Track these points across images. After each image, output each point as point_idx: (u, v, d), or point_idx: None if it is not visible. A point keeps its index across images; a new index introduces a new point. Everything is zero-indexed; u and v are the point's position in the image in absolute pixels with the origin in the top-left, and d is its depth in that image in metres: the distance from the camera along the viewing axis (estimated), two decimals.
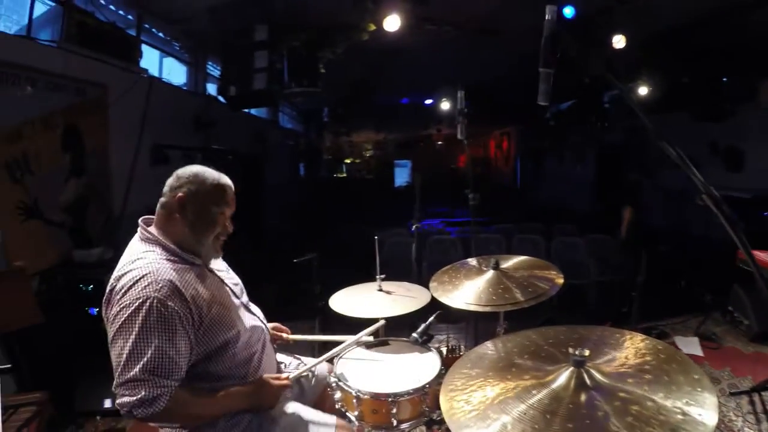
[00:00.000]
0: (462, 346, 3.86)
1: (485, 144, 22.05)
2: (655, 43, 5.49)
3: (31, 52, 3.68)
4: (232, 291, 1.87)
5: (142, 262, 1.60)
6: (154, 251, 1.66)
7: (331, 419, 1.89)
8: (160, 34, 6.04)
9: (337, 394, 2.01)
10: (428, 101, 11.07)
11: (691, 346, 4.25)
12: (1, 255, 3.40)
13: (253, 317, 1.93)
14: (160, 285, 1.55)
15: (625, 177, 8.86)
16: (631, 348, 1.39)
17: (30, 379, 3.20)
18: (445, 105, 10.00)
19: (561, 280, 2.26)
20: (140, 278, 1.55)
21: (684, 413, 1.11)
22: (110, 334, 1.55)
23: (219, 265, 1.92)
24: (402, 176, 18.13)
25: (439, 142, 18.50)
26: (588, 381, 1.23)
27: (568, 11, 4.56)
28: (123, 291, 1.54)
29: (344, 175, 18.77)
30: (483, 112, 12.68)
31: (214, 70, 7.29)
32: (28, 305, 3.11)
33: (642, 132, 8.02)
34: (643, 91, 6.46)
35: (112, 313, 1.54)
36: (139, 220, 1.75)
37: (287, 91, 4.99)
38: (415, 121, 14.13)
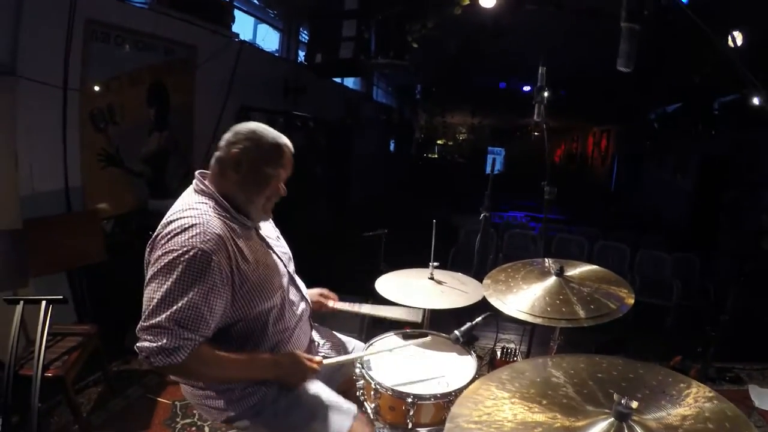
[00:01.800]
0: (518, 352, 3.58)
1: (583, 140, 20.76)
2: None
3: (123, 12, 3.81)
4: (279, 259, 1.80)
5: (194, 212, 1.54)
6: (207, 203, 1.60)
7: (352, 408, 1.77)
8: (255, 1, 6.11)
9: (360, 382, 1.91)
10: (526, 88, 10.50)
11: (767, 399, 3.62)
12: (80, 198, 3.62)
13: (296, 289, 1.86)
14: (208, 237, 1.49)
15: (727, 192, 7.89)
16: (693, 405, 1.10)
17: (91, 313, 3.44)
18: (544, 94, 9.42)
19: (632, 301, 1.93)
20: (189, 227, 1.49)
21: None
22: (147, 276, 1.50)
23: (269, 232, 1.85)
24: (495, 163, 17.61)
25: (536, 133, 17.69)
26: None
27: None
28: (169, 236, 1.49)
29: (436, 156, 18.55)
30: (583, 105, 11.87)
31: (306, 38, 7.32)
32: (95, 245, 3.29)
33: (753, 145, 7.13)
34: (757, 99, 5.65)
35: (154, 256, 1.50)
36: (196, 173, 1.69)
37: (374, 62, 4.85)
38: (511, 108, 13.53)
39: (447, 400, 1.75)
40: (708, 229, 7.80)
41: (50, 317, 2.13)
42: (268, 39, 6.63)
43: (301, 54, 7.19)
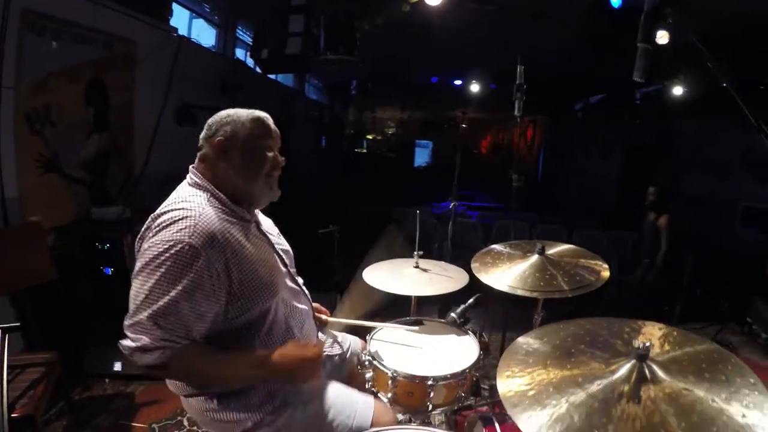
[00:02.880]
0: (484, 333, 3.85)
1: (509, 131, 21.80)
2: (706, 44, 5.34)
3: (61, 2, 3.64)
4: (280, 257, 1.80)
5: (187, 204, 1.52)
6: (201, 196, 1.58)
7: (370, 399, 1.85)
8: None
9: (369, 374, 1.99)
10: (458, 82, 10.92)
11: None
12: (17, 209, 3.40)
13: (297, 289, 1.87)
14: (198, 231, 1.45)
15: (652, 179, 8.79)
16: (691, 346, 1.36)
17: (39, 338, 3.12)
18: (474, 87, 9.85)
19: (607, 273, 2.24)
20: (179, 219, 1.46)
21: (744, 415, 1.09)
22: (135, 268, 1.48)
23: (270, 228, 1.87)
24: (422, 156, 18.02)
25: (463, 125, 18.33)
26: (649, 375, 1.21)
27: (615, 0, 4.44)
28: (158, 229, 1.47)
29: (365, 150, 18.70)
30: (511, 97, 12.53)
31: (243, 35, 7.27)
32: (42, 261, 2.98)
33: (673, 134, 8.02)
34: (679, 91, 6.34)
35: (143, 248, 1.48)
36: (190, 167, 1.68)
37: (322, 58, 4.91)
38: (441, 102, 13.98)
39: (461, 378, 1.92)
40: (635, 209, 8.62)
41: (6, 348, 2.00)
42: (204, 34, 6.52)
43: (238, 51, 7.13)
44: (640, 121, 8.54)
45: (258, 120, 1.67)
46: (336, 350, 2.10)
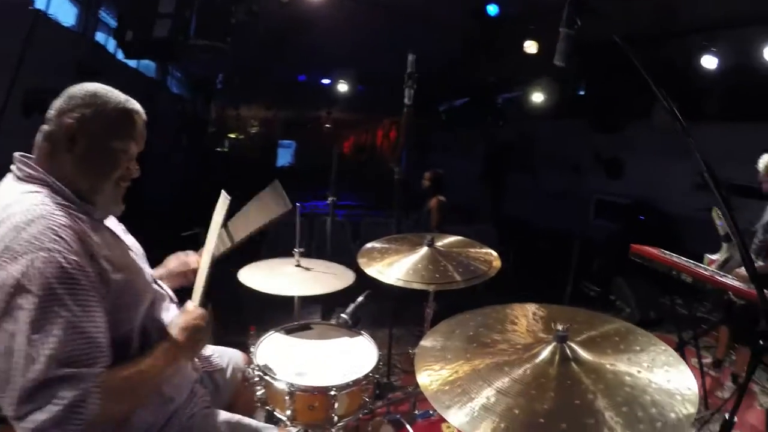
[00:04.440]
0: None
1: (373, 131, 22.36)
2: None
3: None
4: (135, 255, 1.52)
5: (23, 205, 1.18)
6: (39, 192, 1.24)
7: (272, 428, 1.66)
8: None
9: (259, 391, 1.79)
10: (326, 81, 10.82)
11: None
12: None
13: (162, 292, 1.60)
14: (58, 234, 1.15)
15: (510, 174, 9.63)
16: (606, 326, 1.40)
17: None
18: (342, 87, 9.89)
19: (499, 263, 2.27)
20: (26, 225, 1.14)
21: (669, 381, 1.13)
22: None
23: (114, 225, 1.52)
24: (285, 157, 17.74)
25: (327, 125, 18.38)
26: (571, 355, 1.20)
27: (492, 8, 4.69)
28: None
29: (227, 150, 17.96)
30: (376, 99, 12.81)
31: (106, 18, 6.44)
32: None
33: (530, 134, 8.84)
34: (539, 97, 6.95)
35: None
36: (15, 155, 1.31)
37: (191, 43, 4.43)
38: (307, 101, 13.82)
39: (365, 383, 1.80)
40: (497, 205, 9.29)
41: None
42: (62, 12, 5.64)
43: (101, 35, 6.32)
44: (502, 124, 9.20)
45: (128, 114, 1.37)
46: (216, 361, 1.84)
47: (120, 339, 1.28)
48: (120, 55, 5.69)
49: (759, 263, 3.32)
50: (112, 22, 6.31)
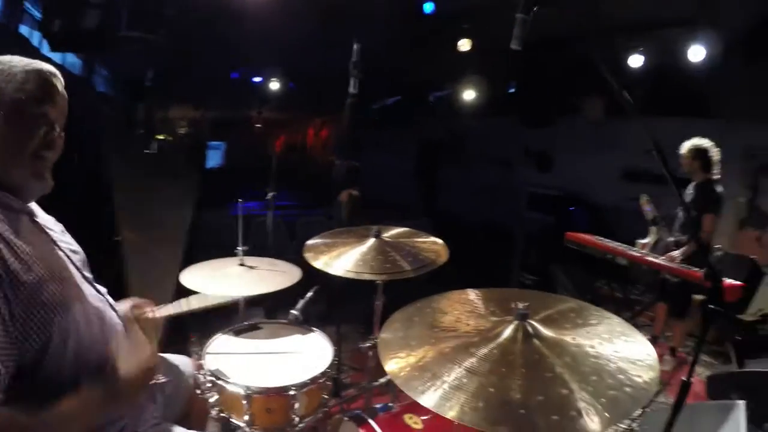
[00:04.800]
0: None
1: (304, 131, 22.16)
2: (499, 53, 6.10)
3: None
4: (69, 259, 1.32)
5: None
6: None
7: None
8: None
9: (213, 397, 1.70)
10: (257, 79, 10.53)
11: None
12: None
13: (100, 298, 1.38)
14: None
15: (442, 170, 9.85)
16: (560, 305, 1.44)
17: None
18: (274, 85, 9.70)
19: (446, 250, 2.28)
20: None
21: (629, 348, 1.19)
22: None
23: (51, 224, 1.37)
24: (215, 158, 17.30)
25: (258, 125, 18.02)
26: (533, 332, 1.23)
27: (428, 6, 4.74)
28: None
29: (155, 152, 17.23)
30: (308, 97, 12.67)
31: (32, 9, 5.92)
32: None
33: (460, 130, 9.08)
34: (470, 95, 7.13)
35: None
36: None
37: (122, 35, 4.14)
38: (238, 100, 13.41)
39: (323, 380, 1.76)
40: (431, 200, 9.47)
41: None
42: None
43: (24, 28, 5.82)
44: (434, 121, 9.37)
45: (38, 75, 1.20)
46: (161, 378, 1.70)
47: (56, 340, 1.12)
48: (45, 49, 5.26)
49: (683, 239, 3.58)
50: (38, 14, 5.87)
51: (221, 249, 2.47)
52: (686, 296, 3.59)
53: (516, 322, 1.25)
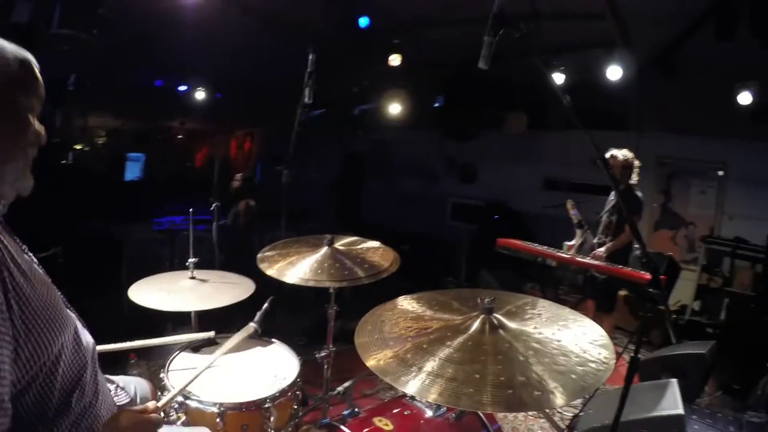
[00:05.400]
0: None
1: (226, 143, 21.63)
2: (426, 68, 6.34)
3: None
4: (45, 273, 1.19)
5: None
6: None
7: None
8: None
9: (182, 417, 1.65)
10: (183, 88, 10.12)
11: None
12: None
13: (76, 317, 1.26)
14: None
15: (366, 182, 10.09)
16: (516, 301, 1.58)
17: None
18: (199, 95, 9.45)
19: (397, 257, 2.37)
20: None
21: (585, 333, 1.35)
22: None
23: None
24: (134, 171, 16.50)
25: (179, 136, 17.37)
26: (498, 324, 1.35)
27: (363, 20, 4.87)
28: None
29: (71, 162, 16.19)
30: (231, 108, 12.39)
31: None
32: None
33: (385, 143, 9.31)
34: (396, 108, 7.35)
35: None
36: None
37: (54, 32, 3.86)
38: (160, 110, 12.81)
39: (294, 391, 1.78)
40: (353, 211, 9.57)
41: None
42: None
43: None
44: (359, 133, 9.54)
45: (28, 65, 1.09)
46: (123, 398, 1.52)
47: (52, 362, 1.03)
48: None
49: (606, 241, 3.92)
50: None
51: (154, 263, 2.38)
52: (612, 292, 3.92)
53: (482, 316, 1.36)
